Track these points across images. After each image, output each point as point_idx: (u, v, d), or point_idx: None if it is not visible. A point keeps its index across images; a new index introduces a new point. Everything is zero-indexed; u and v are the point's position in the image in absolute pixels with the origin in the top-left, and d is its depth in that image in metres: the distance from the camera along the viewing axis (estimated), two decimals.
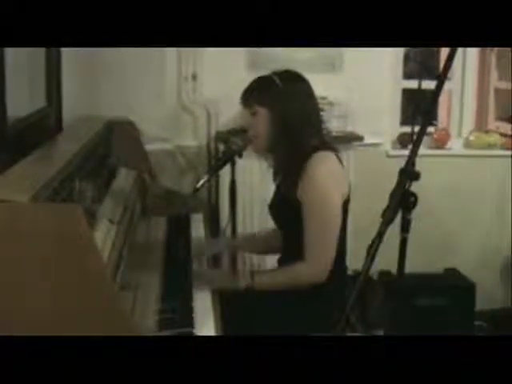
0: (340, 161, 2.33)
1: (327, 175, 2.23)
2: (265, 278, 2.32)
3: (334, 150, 2.32)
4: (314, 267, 2.23)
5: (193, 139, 3.69)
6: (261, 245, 2.71)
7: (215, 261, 2.64)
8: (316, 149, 2.25)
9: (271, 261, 2.74)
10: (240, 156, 2.62)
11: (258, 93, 2.31)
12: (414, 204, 1.57)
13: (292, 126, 2.26)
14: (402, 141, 3.98)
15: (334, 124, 3.60)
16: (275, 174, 2.46)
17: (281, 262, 2.53)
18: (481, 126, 4.31)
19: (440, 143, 4.06)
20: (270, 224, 2.56)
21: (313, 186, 2.21)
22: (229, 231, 3.07)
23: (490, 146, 4.09)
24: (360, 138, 3.71)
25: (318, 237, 2.22)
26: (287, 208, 2.32)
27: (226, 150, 2.69)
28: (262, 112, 2.29)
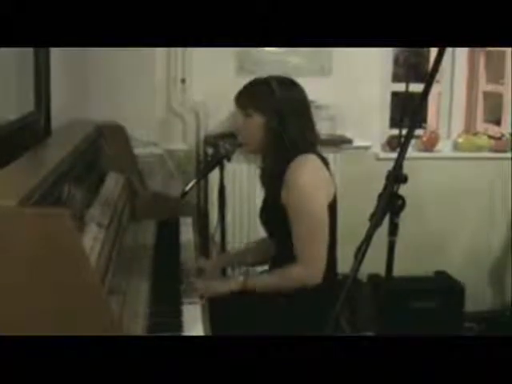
0: (325, 162, 2.32)
1: (308, 176, 2.21)
2: (258, 280, 2.32)
3: (315, 151, 2.31)
4: (308, 268, 2.21)
5: (182, 143, 3.69)
6: (252, 256, 2.67)
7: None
8: (297, 152, 2.24)
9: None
10: (229, 160, 2.62)
11: (254, 97, 2.29)
12: (402, 207, 1.58)
13: (286, 134, 2.24)
14: (391, 143, 3.98)
15: (322, 127, 3.59)
16: (263, 182, 2.46)
17: (271, 268, 2.52)
18: (469, 128, 4.33)
19: (429, 146, 4.06)
20: (259, 227, 2.56)
21: (294, 188, 2.21)
22: (218, 236, 3.08)
23: (479, 149, 4.10)
24: (349, 141, 3.71)
25: (307, 238, 2.21)
26: (275, 213, 2.31)
27: (214, 153, 2.69)
28: (257, 116, 2.27)
